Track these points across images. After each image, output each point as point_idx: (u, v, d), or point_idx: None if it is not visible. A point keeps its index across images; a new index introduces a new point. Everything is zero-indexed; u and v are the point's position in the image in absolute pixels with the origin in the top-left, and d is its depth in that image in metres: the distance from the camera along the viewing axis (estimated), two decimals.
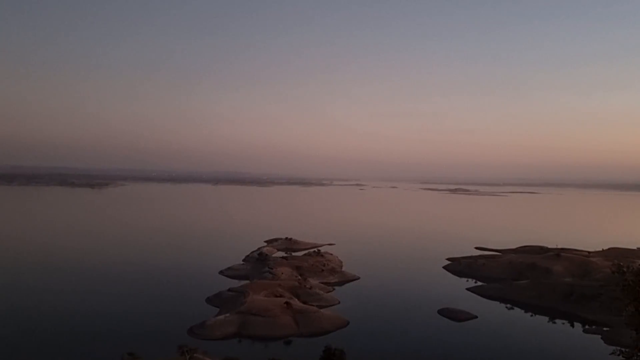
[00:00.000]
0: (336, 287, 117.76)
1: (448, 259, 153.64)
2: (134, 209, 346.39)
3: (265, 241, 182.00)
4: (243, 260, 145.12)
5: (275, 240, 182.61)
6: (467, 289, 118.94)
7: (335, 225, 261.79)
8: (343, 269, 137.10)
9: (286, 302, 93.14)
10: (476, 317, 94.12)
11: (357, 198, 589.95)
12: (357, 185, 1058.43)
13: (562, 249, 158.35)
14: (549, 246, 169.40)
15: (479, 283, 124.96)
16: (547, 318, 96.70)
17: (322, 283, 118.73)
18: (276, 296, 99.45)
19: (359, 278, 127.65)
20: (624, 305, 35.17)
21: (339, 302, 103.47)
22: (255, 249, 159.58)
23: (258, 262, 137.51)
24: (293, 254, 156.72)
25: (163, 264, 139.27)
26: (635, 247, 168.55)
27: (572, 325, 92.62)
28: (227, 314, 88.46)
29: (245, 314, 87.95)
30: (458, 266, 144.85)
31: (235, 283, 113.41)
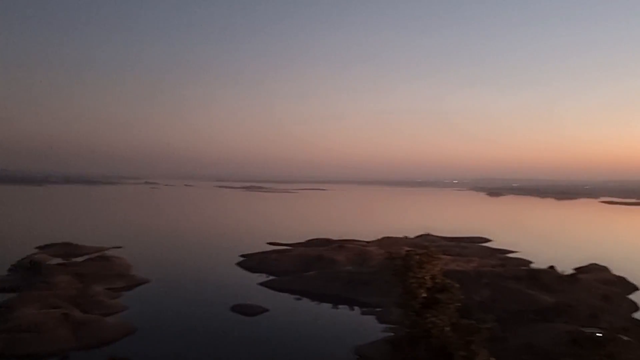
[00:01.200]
0: (124, 293, 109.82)
1: (241, 256, 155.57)
2: None
3: (38, 247, 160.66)
4: (9, 270, 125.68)
5: (51, 245, 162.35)
6: (260, 284, 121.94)
7: (123, 226, 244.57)
8: (131, 272, 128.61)
9: (63, 314, 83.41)
10: (268, 310, 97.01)
11: (148, 197, 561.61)
12: (149, 183, 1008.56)
13: (345, 240, 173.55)
14: (334, 238, 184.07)
15: (271, 277, 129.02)
16: (331, 305, 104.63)
17: (107, 289, 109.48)
18: (52, 308, 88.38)
19: (149, 281, 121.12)
20: (393, 287, 39.38)
21: (126, 308, 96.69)
22: (25, 256, 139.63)
23: (29, 271, 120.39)
24: (73, 259, 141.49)
25: None
26: (403, 236, 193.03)
27: (352, 309, 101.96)
28: None
29: (12, 331, 76.27)
30: (251, 262, 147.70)
31: None
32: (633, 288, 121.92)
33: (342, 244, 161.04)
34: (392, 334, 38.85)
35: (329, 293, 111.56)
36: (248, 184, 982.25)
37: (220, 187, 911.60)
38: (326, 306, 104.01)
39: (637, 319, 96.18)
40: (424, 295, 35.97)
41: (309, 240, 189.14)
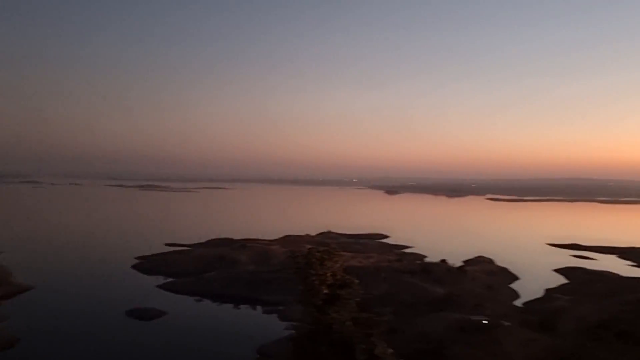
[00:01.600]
0: (3, 302, 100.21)
1: (137, 258, 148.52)
2: None
3: None
4: None
5: None
6: (158, 286, 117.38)
7: (1, 230, 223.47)
8: (12, 279, 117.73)
9: None
10: (166, 313, 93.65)
11: (29, 197, 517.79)
12: (31, 182, 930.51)
13: (247, 240, 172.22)
14: (236, 238, 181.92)
15: (170, 279, 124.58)
16: (233, 305, 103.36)
17: None
18: None
19: (33, 288, 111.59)
20: (296, 285, 39.63)
21: (7, 318, 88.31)
22: None
23: None
24: None
25: None
26: (305, 234, 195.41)
27: (255, 308, 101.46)
28: None
29: None
30: (148, 264, 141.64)
31: None
32: (513, 277, 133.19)
33: (244, 244, 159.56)
34: (294, 331, 38.98)
35: (231, 293, 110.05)
36: (144, 183, 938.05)
37: (112, 185, 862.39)
38: (228, 307, 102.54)
39: (516, 306, 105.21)
40: (326, 291, 36.50)
41: (209, 241, 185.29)
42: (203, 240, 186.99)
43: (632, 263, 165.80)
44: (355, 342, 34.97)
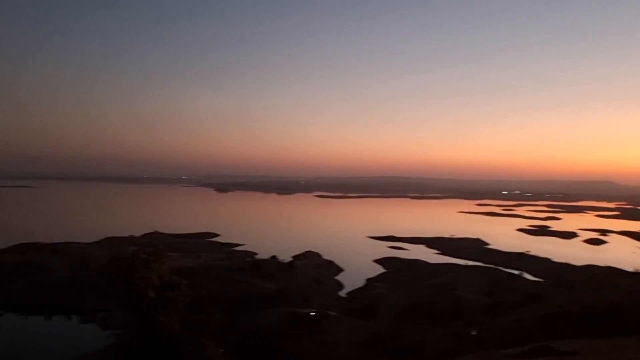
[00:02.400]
0: None
1: None
2: None
3: None
4: None
5: None
6: None
7: None
8: None
9: None
10: None
11: None
12: None
13: (60, 243, 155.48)
14: (46, 242, 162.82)
15: None
16: (43, 317, 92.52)
17: None
18: None
19: None
20: (118, 290, 36.62)
21: None
22: None
23: None
24: None
25: None
26: (128, 235, 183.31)
27: (70, 318, 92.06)
28: None
29: None
30: None
31: None
32: (339, 269, 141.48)
33: (56, 248, 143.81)
34: (117, 340, 36.12)
35: (41, 303, 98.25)
36: None
37: None
38: (37, 319, 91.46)
39: (341, 296, 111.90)
40: (152, 295, 34.43)
41: (12, 246, 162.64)
42: (3, 246, 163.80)
43: (437, 251, 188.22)
44: (184, 345, 33.54)
